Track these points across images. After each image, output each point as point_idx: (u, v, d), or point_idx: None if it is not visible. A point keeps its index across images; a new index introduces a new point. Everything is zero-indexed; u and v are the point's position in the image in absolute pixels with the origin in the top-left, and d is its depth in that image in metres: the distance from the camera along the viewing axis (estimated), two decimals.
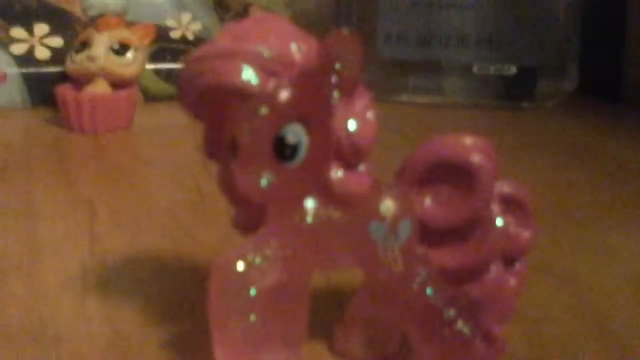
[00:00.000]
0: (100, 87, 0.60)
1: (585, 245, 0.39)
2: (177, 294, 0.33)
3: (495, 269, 0.26)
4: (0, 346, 0.28)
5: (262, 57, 0.23)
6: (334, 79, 0.23)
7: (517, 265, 0.27)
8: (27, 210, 0.42)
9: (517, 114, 0.70)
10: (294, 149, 0.23)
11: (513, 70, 0.71)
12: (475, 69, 0.72)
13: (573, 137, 0.62)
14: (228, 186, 0.25)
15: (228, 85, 0.23)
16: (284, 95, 0.23)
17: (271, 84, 0.23)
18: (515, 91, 0.71)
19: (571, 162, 0.55)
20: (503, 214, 0.26)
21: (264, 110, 0.23)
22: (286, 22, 0.25)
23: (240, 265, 0.24)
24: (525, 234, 0.27)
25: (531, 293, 0.29)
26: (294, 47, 0.23)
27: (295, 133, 0.23)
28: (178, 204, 0.44)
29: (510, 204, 0.26)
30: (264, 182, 0.23)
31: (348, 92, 0.24)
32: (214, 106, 0.25)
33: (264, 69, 0.23)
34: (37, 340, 0.29)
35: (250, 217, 0.26)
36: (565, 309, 0.32)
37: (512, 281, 0.27)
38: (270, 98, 0.23)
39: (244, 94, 0.23)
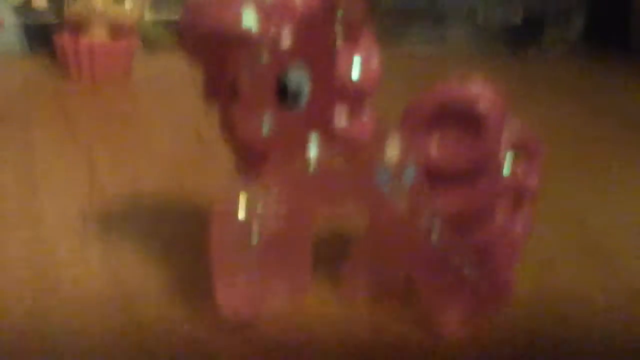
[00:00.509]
0: (98, 35, 0.60)
1: (593, 189, 0.39)
2: (177, 239, 0.32)
3: (501, 214, 0.26)
4: (0, 290, 0.28)
5: (263, 2, 0.22)
6: (337, 23, 0.23)
7: (525, 209, 0.27)
8: (26, 157, 0.42)
9: (524, 62, 0.69)
10: (296, 92, 0.22)
11: (518, 18, 0.70)
12: (480, 17, 0.71)
13: (580, 84, 0.62)
14: (229, 132, 0.25)
15: (229, 31, 0.22)
16: (285, 40, 0.22)
17: (272, 29, 0.22)
18: (521, 40, 0.70)
19: (578, 109, 0.55)
20: (511, 160, 0.26)
21: (265, 55, 0.22)
22: None
23: (241, 214, 0.23)
24: (533, 178, 0.26)
25: (538, 236, 0.29)
26: None
27: (297, 77, 0.22)
28: (178, 151, 0.44)
29: (518, 149, 0.26)
30: (265, 126, 0.23)
31: (352, 36, 0.23)
32: (214, 51, 0.24)
33: (265, 13, 0.22)
34: (38, 284, 0.29)
35: (252, 163, 0.25)
36: (571, 251, 0.32)
37: (519, 225, 0.27)
38: (271, 43, 0.22)
39: (245, 39, 0.22)
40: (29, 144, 0.44)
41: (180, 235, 0.33)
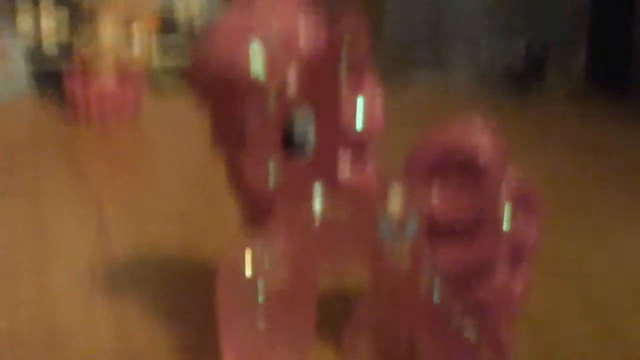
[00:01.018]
0: (107, 80, 0.61)
1: (592, 235, 0.39)
2: (184, 293, 0.32)
3: (502, 270, 0.26)
4: (10, 349, 0.28)
5: (270, 44, 0.23)
6: (342, 63, 0.23)
7: (524, 264, 0.26)
8: (35, 204, 0.42)
9: (525, 106, 0.69)
10: (302, 143, 0.23)
11: (521, 57, 0.70)
12: (481, 64, 0.72)
13: (581, 126, 0.62)
14: (236, 179, 0.25)
15: (236, 76, 0.23)
16: (291, 87, 0.23)
17: (279, 75, 0.23)
18: (523, 84, 0.71)
19: (579, 154, 0.55)
20: (511, 213, 0.26)
21: (272, 99, 0.22)
22: (294, 4, 0.24)
23: (248, 271, 0.23)
24: (533, 233, 0.26)
25: (538, 293, 0.28)
26: (302, 34, 0.23)
27: (303, 127, 0.23)
28: (185, 197, 0.44)
29: (518, 196, 0.26)
30: (271, 173, 0.23)
31: (356, 78, 0.24)
32: (222, 97, 0.24)
33: (272, 57, 0.23)
34: (47, 342, 0.29)
35: (258, 214, 0.25)
36: (571, 309, 0.32)
37: (519, 282, 0.26)
38: (277, 90, 0.22)
39: (252, 83, 0.23)
40: (38, 193, 0.45)
41: (187, 289, 0.33)
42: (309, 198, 0.24)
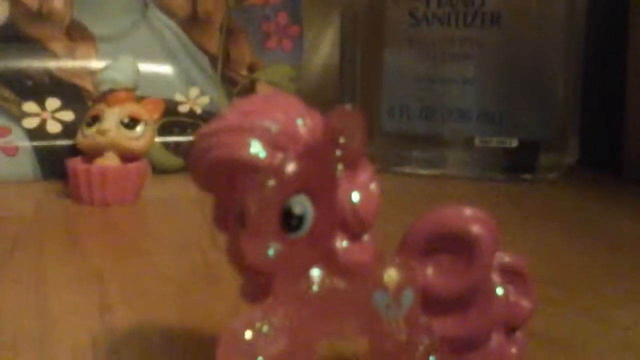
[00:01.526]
0: (110, 160, 0.62)
1: (586, 316, 0.39)
2: None
3: (496, 339, 0.27)
4: None
5: (270, 132, 0.24)
6: (338, 152, 0.24)
7: (518, 335, 0.28)
8: (37, 282, 0.43)
9: (519, 187, 0.70)
10: (300, 219, 0.24)
11: (515, 143, 0.72)
12: (477, 142, 0.73)
13: (574, 210, 0.63)
14: (237, 256, 0.26)
15: (237, 158, 0.24)
16: (290, 168, 0.24)
17: (278, 157, 0.24)
18: (517, 164, 0.72)
19: (572, 235, 0.56)
20: (503, 284, 0.27)
21: (271, 182, 0.23)
22: (292, 98, 0.26)
23: (248, 334, 0.24)
24: (526, 303, 0.27)
25: None
26: (299, 122, 0.24)
27: (301, 205, 0.24)
28: (186, 275, 0.45)
29: (510, 274, 0.27)
30: (271, 252, 0.24)
31: (352, 165, 0.25)
32: (223, 179, 0.25)
33: (271, 143, 0.24)
34: None
35: (258, 286, 0.26)
36: None
37: (514, 351, 0.27)
38: (277, 171, 0.24)
39: (252, 167, 0.24)
40: (41, 269, 0.45)
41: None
42: (307, 269, 0.25)
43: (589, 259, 0.50)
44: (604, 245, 0.53)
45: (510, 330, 0.27)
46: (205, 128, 0.25)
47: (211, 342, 0.25)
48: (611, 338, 0.37)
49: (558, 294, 0.42)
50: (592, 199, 0.67)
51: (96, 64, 0.73)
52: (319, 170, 0.24)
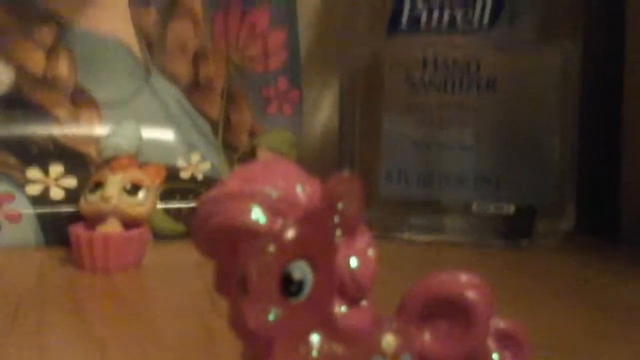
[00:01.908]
0: (112, 227, 0.62)
1: None
2: None
3: None
4: None
5: (270, 198, 0.24)
6: (336, 218, 0.25)
7: None
8: (40, 349, 0.43)
9: (517, 253, 0.71)
10: (300, 285, 0.24)
11: (512, 209, 0.73)
12: (474, 208, 0.73)
13: (570, 275, 0.64)
14: (238, 321, 0.26)
15: (238, 225, 0.24)
16: (290, 234, 0.24)
17: (278, 223, 0.24)
18: (514, 230, 0.72)
19: (569, 300, 0.56)
20: (499, 350, 0.27)
21: (271, 248, 0.24)
22: (292, 165, 0.26)
23: None
24: None
25: None
26: (299, 189, 0.25)
27: (300, 270, 0.24)
28: (187, 342, 0.45)
29: (505, 339, 0.28)
30: (271, 317, 0.24)
31: (350, 231, 0.25)
32: (225, 244, 0.26)
33: (272, 209, 0.24)
34: None
35: (258, 352, 0.27)
36: None
37: None
38: (277, 237, 0.24)
39: (253, 233, 0.24)
40: (42, 335, 0.46)
41: None
42: (306, 333, 0.26)
43: (584, 324, 0.50)
44: (600, 310, 0.53)
45: None
46: (207, 195, 0.26)
47: None
48: None
49: (554, 358, 0.42)
50: (589, 264, 0.67)
51: (99, 129, 0.74)
52: (318, 236, 0.25)
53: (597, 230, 0.77)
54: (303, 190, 0.25)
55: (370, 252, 0.26)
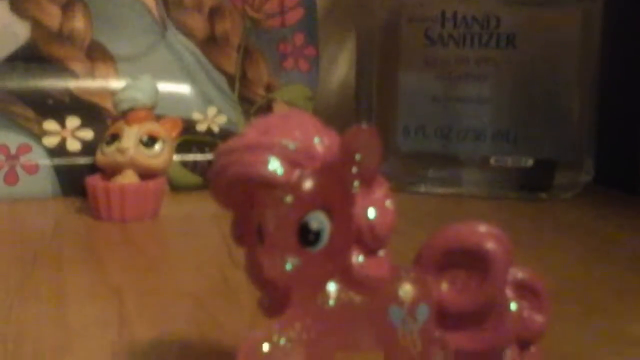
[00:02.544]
0: (128, 178, 0.63)
1: (606, 336, 0.39)
2: None
3: (510, 353, 0.27)
4: None
5: (287, 150, 0.24)
6: (354, 169, 0.25)
7: (532, 350, 0.28)
8: (57, 296, 0.44)
9: (535, 205, 0.71)
10: (317, 234, 0.24)
11: (530, 162, 0.72)
12: (492, 161, 0.73)
13: (590, 229, 0.63)
14: (255, 271, 0.26)
15: (255, 175, 0.24)
16: (307, 185, 0.24)
17: (295, 174, 0.24)
18: (532, 183, 0.72)
19: (587, 252, 0.56)
20: (517, 299, 0.27)
21: (288, 199, 0.24)
22: (309, 117, 0.26)
23: (265, 347, 0.25)
24: (539, 318, 0.28)
25: None
26: (316, 140, 0.25)
27: (318, 220, 0.24)
28: (204, 291, 0.45)
29: (524, 289, 0.27)
30: (288, 266, 0.24)
31: (368, 182, 0.25)
32: (242, 195, 0.26)
33: (289, 160, 0.24)
34: None
35: (275, 300, 0.27)
36: None
37: None
38: (294, 187, 0.24)
39: (270, 183, 0.24)
40: (60, 283, 0.46)
41: None
42: (324, 283, 0.26)
43: (603, 276, 0.50)
44: (619, 262, 0.53)
45: (524, 345, 0.28)
46: (224, 146, 0.26)
47: (229, 355, 0.26)
48: (625, 355, 0.37)
49: (572, 310, 0.42)
50: (608, 217, 0.67)
51: (115, 83, 0.74)
52: (336, 187, 0.25)
53: (616, 183, 0.77)
54: (321, 141, 0.25)
55: (388, 203, 0.26)
